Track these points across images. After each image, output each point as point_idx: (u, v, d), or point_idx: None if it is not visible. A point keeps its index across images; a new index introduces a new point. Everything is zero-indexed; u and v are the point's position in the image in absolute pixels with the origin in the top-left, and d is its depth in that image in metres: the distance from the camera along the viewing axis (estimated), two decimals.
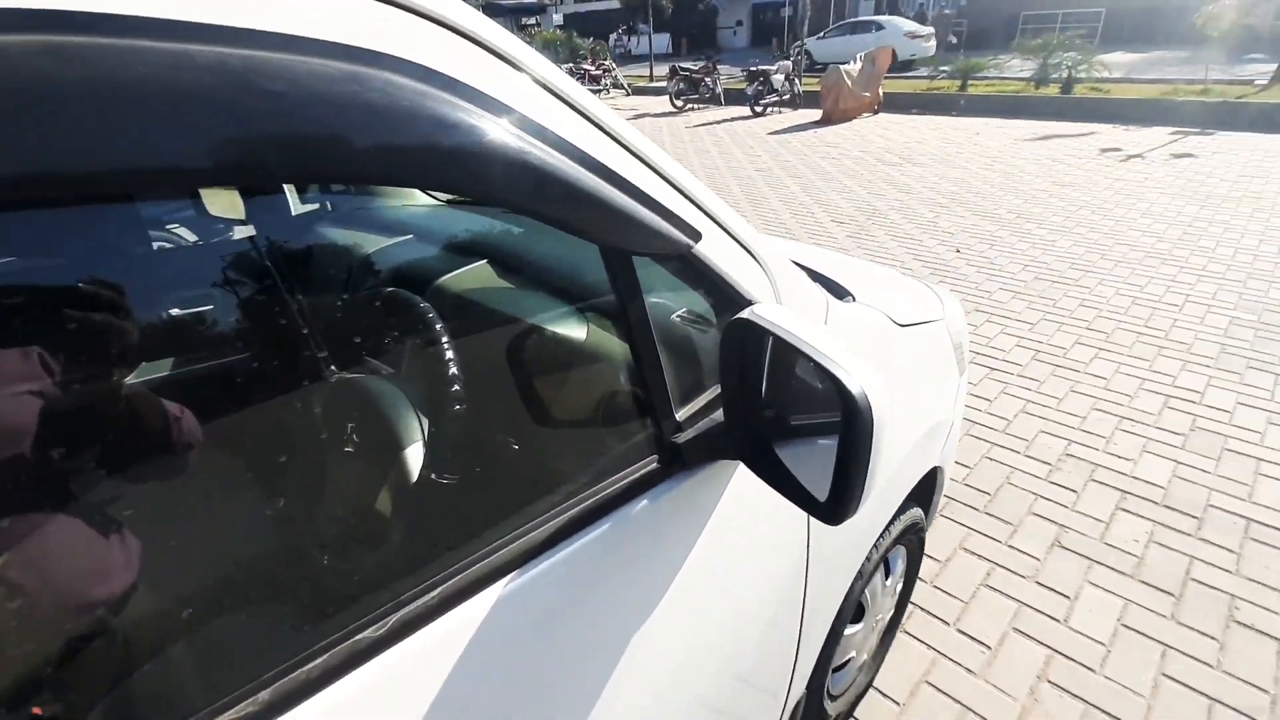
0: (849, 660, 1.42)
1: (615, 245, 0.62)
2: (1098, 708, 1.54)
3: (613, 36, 28.82)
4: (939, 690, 1.61)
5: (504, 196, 0.49)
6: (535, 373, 0.89)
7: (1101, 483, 2.29)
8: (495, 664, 0.56)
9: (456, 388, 0.80)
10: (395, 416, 0.84)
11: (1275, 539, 2.01)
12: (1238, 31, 12.53)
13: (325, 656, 0.47)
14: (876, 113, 11.19)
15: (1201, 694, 1.56)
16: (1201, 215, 5.11)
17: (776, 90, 11.81)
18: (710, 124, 11.25)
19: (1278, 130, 8.10)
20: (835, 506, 0.58)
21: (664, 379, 0.69)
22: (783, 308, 0.66)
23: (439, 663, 0.53)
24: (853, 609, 1.25)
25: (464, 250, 1.29)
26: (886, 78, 11.57)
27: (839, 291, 1.14)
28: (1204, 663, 1.65)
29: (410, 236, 1.36)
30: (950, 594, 1.87)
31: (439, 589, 0.54)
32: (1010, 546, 2.03)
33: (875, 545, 1.24)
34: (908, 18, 19.83)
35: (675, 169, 0.68)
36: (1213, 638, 1.71)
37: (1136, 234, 4.78)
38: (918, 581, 1.82)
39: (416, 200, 1.50)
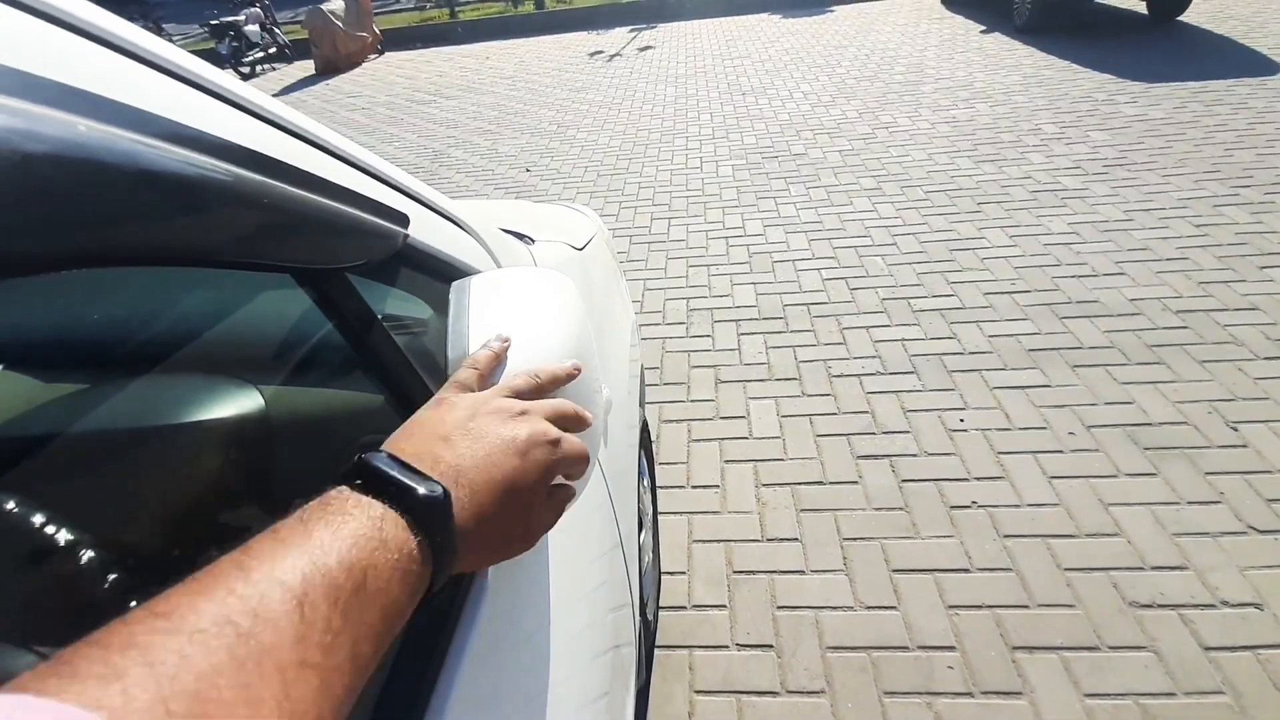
0: (645, 566, 1.50)
1: (326, 263, 0.43)
2: (796, 483, 1.98)
3: None
4: (703, 541, 1.85)
5: (157, 243, 0.29)
6: (213, 489, 0.62)
7: (721, 320, 2.82)
8: None
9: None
10: None
11: (824, 310, 2.78)
12: None
13: None
14: (382, 52, 10.63)
15: (841, 435, 2.14)
16: (679, 93, 6.37)
17: (259, 44, 10.15)
18: None
19: (692, 16, 10.44)
20: None
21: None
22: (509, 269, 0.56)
23: None
24: (638, 526, 1.31)
25: None
26: (376, 13, 10.98)
27: (518, 237, 1.06)
28: (829, 413, 2.24)
29: None
30: (673, 463, 2.12)
31: None
32: (692, 401, 2.38)
33: (637, 464, 1.30)
34: None
35: (354, 148, 0.51)
36: (827, 393, 2.33)
37: (645, 119, 5.71)
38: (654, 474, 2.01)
39: None
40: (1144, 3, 6.60)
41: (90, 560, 0.49)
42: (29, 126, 0.23)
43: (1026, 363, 2.34)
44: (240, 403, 0.69)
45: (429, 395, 0.54)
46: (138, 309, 0.84)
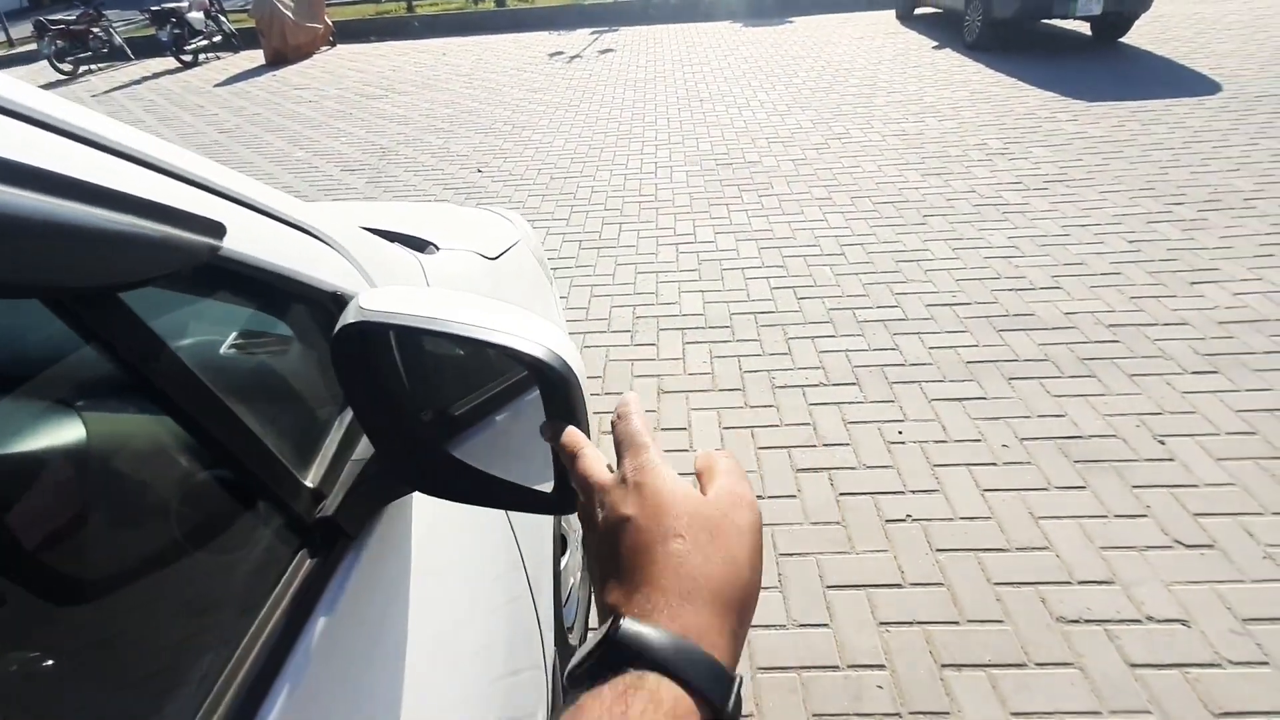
0: (570, 589, 1.44)
1: (84, 284, 0.36)
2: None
3: None
4: None
5: None
6: (30, 524, 0.53)
7: (667, 328, 2.77)
8: None
9: None
10: None
11: (770, 319, 2.76)
12: None
13: None
14: (334, 44, 10.32)
15: (782, 448, 2.11)
16: (637, 97, 6.33)
17: (203, 32, 9.74)
18: (126, 86, 8.75)
19: (653, 21, 10.44)
20: (567, 493, 0.49)
21: (264, 443, 0.47)
22: (393, 289, 0.50)
23: None
24: (560, 545, 1.25)
25: None
26: (329, 4, 10.66)
27: (419, 245, 0.99)
28: (771, 425, 2.21)
29: None
30: None
31: None
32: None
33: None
34: None
35: (158, 148, 0.43)
36: (770, 405, 2.30)
37: (603, 121, 5.66)
38: None
39: None
40: (1088, 24, 6.85)
41: None
42: None
43: (964, 375, 2.36)
44: (62, 431, 0.60)
45: (229, 422, 0.47)
46: None
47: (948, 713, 1.39)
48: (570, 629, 1.45)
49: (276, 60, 9.28)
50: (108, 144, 0.42)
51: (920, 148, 4.49)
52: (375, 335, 0.48)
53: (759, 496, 1.90)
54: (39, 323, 0.70)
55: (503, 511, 0.90)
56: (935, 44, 7.36)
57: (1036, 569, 1.66)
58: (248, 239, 0.50)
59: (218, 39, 10.08)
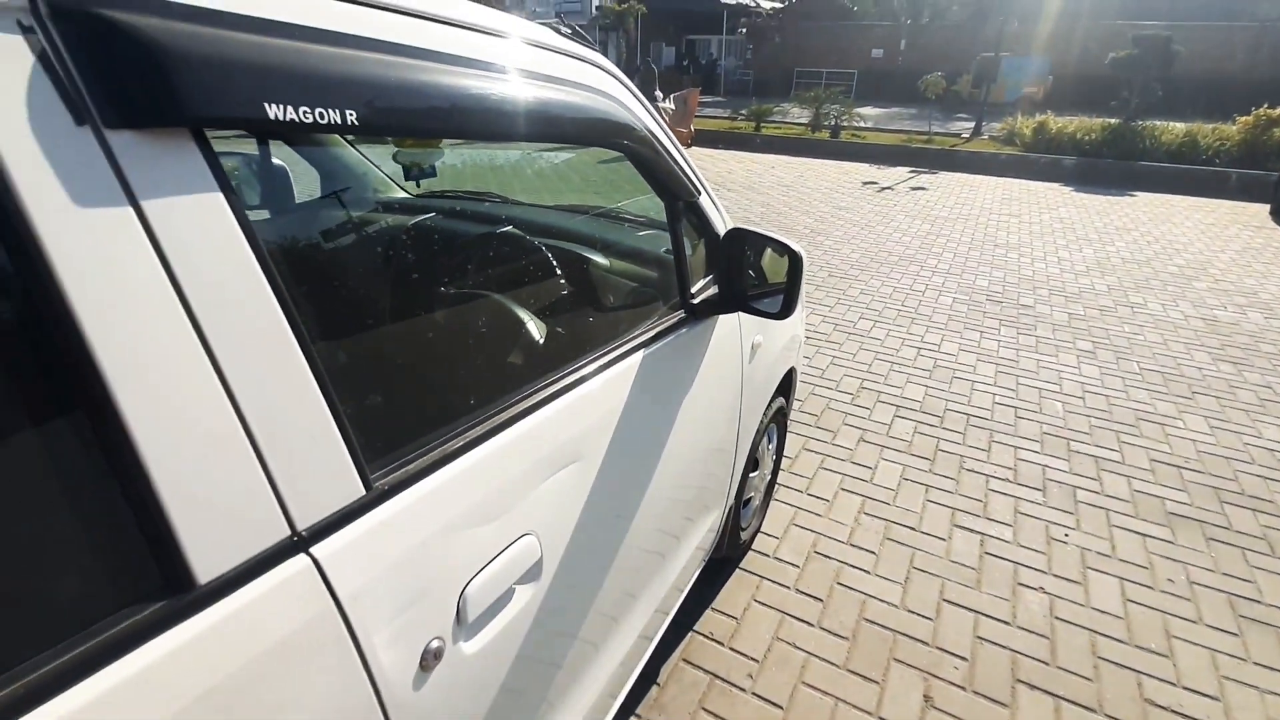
0: (750, 499, 2.12)
1: (673, 192, 1.25)
2: (892, 521, 2.42)
3: None
4: (801, 528, 2.38)
5: (640, 158, 1.11)
6: (589, 281, 1.47)
7: (885, 402, 3.30)
8: (611, 410, 1.12)
9: (563, 290, 1.36)
10: (509, 309, 1.35)
11: (982, 424, 3.12)
12: (947, 97, 16.21)
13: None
14: (690, 146, 12.70)
15: (948, 508, 2.51)
16: (932, 231, 6.87)
17: None
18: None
19: (977, 171, 10.83)
20: (786, 308, 1.26)
21: (687, 270, 1.33)
22: (748, 225, 1.33)
23: (574, 414, 1.07)
24: (753, 460, 1.96)
25: (486, 221, 1.80)
26: (696, 115, 13.20)
27: None
28: (946, 490, 2.62)
29: (433, 213, 1.84)
30: (801, 474, 2.69)
31: (574, 370, 1.08)
32: (834, 444, 2.92)
33: (765, 412, 1.96)
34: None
35: (684, 153, 1.33)
36: (951, 478, 2.70)
37: (891, 244, 6.32)
38: (780, 470, 2.60)
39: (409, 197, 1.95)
40: None
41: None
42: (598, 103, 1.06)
43: (1160, 520, 2.48)
44: (596, 261, 1.57)
45: (686, 259, 1.33)
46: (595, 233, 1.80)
47: (1006, 705, 1.73)
48: (744, 528, 2.13)
49: None
50: (676, 146, 1.32)
51: (1226, 336, 4.28)
52: (738, 241, 1.31)
53: (911, 528, 2.37)
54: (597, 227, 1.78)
55: (739, 380, 1.65)
56: None
57: (1147, 664, 1.86)
58: (701, 201, 1.38)
59: None
